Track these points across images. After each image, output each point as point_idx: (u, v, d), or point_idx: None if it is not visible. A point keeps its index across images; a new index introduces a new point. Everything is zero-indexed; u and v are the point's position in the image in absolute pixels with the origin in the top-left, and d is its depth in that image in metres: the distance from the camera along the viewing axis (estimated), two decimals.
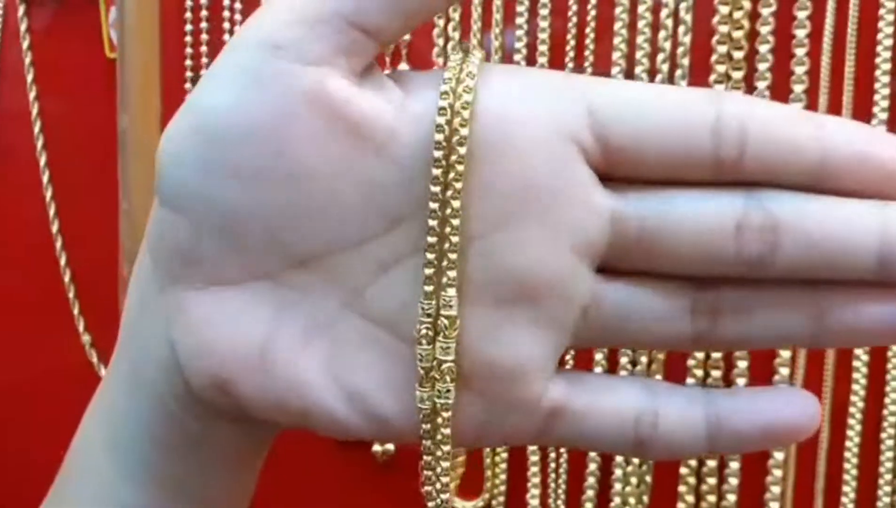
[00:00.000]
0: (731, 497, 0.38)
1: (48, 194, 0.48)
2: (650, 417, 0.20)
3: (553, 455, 0.40)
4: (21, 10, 0.48)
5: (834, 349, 0.37)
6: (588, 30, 0.38)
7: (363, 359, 0.22)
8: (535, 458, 0.40)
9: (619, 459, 0.39)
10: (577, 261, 0.20)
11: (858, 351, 0.37)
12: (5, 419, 0.48)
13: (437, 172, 0.20)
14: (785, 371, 0.37)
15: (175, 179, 0.21)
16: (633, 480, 0.39)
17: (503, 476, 0.41)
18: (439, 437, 0.21)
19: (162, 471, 0.26)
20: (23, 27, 0.48)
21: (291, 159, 0.21)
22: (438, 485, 0.21)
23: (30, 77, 0.48)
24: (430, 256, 0.20)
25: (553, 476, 0.40)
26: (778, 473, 0.38)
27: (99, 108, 0.46)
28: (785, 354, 0.37)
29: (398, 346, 0.21)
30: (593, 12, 0.38)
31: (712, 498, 0.38)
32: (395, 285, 0.21)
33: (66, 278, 0.47)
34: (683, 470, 0.38)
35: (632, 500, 0.39)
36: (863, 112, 0.36)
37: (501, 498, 0.41)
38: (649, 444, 0.20)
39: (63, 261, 0.48)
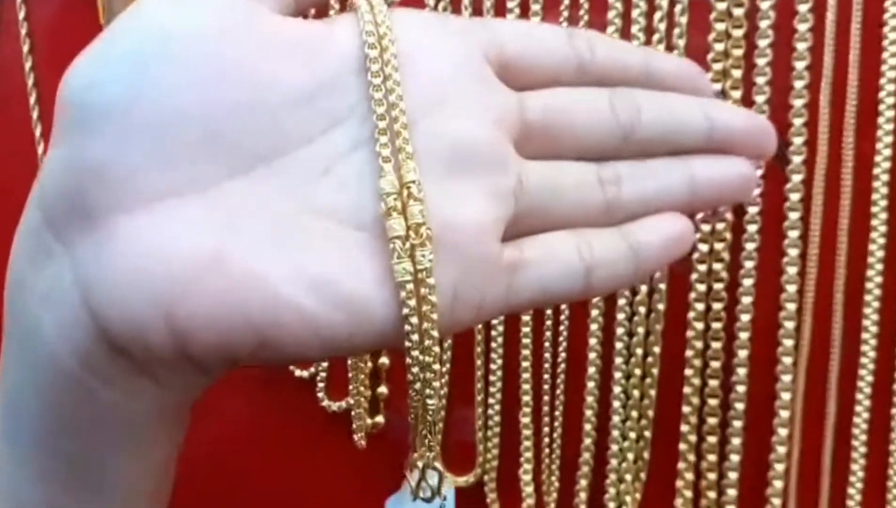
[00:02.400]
0: (733, 476, 0.36)
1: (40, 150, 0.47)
2: (587, 247, 0.24)
3: (547, 429, 0.39)
4: None
5: (840, 344, 0.36)
6: None
7: (324, 253, 0.21)
8: (527, 432, 0.39)
9: (615, 434, 0.37)
10: (502, 136, 0.24)
11: (865, 348, 0.35)
12: None
13: (374, 67, 0.22)
14: (788, 357, 0.36)
15: (99, 86, 0.21)
16: (630, 456, 0.37)
17: (495, 451, 0.39)
18: (425, 309, 0.21)
19: (63, 456, 0.23)
20: None
21: (231, 64, 0.21)
22: (428, 389, 0.22)
23: (26, 47, 0.47)
24: (383, 138, 0.22)
25: (547, 451, 0.39)
26: (781, 450, 0.36)
27: None
28: (787, 343, 0.36)
29: (355, 236, 0.22)
30: None
31: (713, 476, 0.37)
32: (341, 182, 0.22)
33: None
34: (682, 446, 0.37)
35: (628, 476, 0.37)
36: (872, 68, 0.34)
37: (493, 474, 0.39)
38: (594, 271, 0.24)
39: None
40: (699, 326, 0.36)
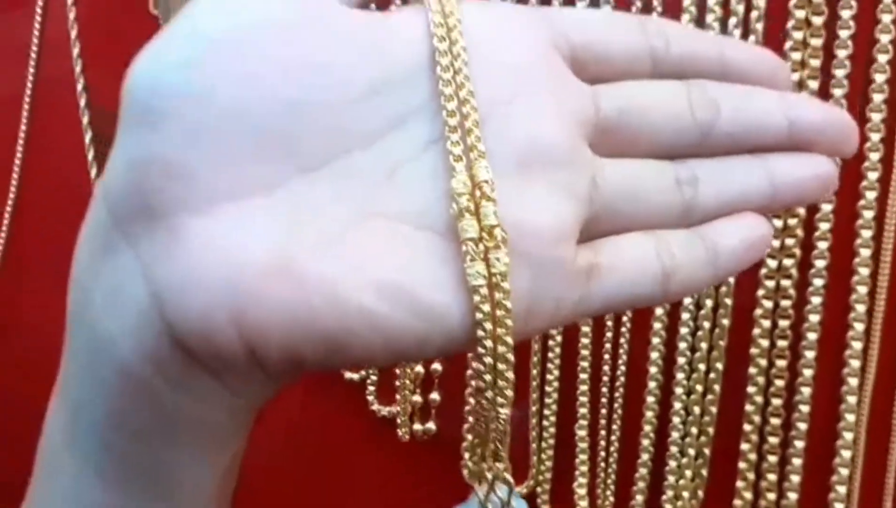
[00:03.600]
0: (793, 496, 0.36)
1: (90, 157, 0.46)
2: (666, 250, 0.24)
3: (603, 442, 0.38)
4: None
5: None
6: None
7: (394, 257, 0.21)
8: (583, 444, 0.38)
9: (673, 450, 0.37)
10: (576, 131, 0.23)
11: None
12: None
13: (444, 61, 0.22)
14: (853, 378, 0.35)
15: (161, 84, 0.20)
16: (688, 473, 0.37)
17: (549, 463, 0.39)
18: (500, 314, 0.21)
19: (129, 460, 0.23)
20: None
21: (295, 60, 0.21)
22: (501, 398, 0.21)
23: (73, 33, 0.47)
24: (454, 136, 0.21)
25: (602, 464, 0.38)
26: (844, 472, 0.35)
27: None
28: (854, 364, 0.35)
29: (426, 238, 0.21)
30: None
31: (772, 496, 0.36)
32: (410, 183, 0.21)
33: None
34: (742, 465, 0.36)
35: (685, 494, 0.37)
36: None
37: (547, 486, 0.39)
38: (672, 276, 0.23)
39: None
40: (764, 343, 0.36)
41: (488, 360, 0.21)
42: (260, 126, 0.20)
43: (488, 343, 0.21)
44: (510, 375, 0.21)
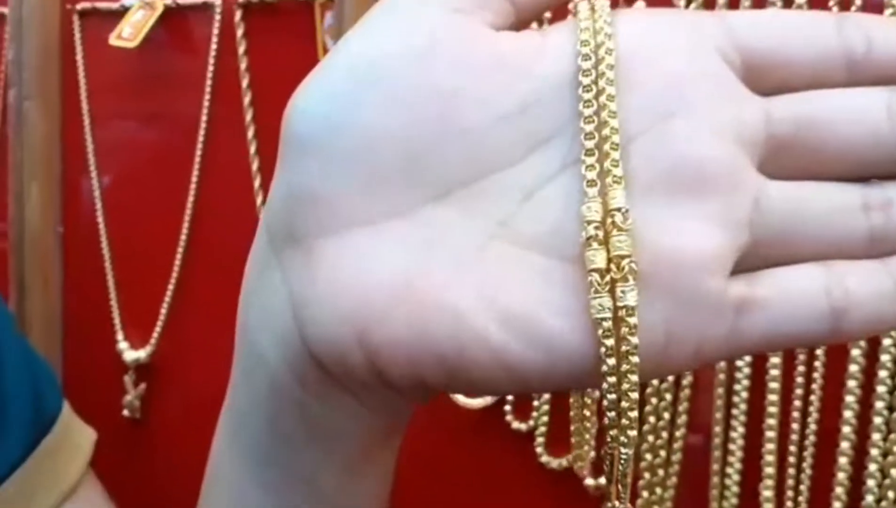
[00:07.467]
0: None
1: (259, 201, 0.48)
2: (838, 285, 0.21)
3: (790, 503, 0.37)
4: (238, 15, 0.48)
5: None
6: None
7: (519, 284, 0.20)
8: (769, 505, 0.37)
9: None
10: (739, 152, 0.21)
11: None
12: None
13: (586, 80, 0.21)
14: None
15: (309, 114, 0.21)
16: None
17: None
18: (625, 349, 0.19)
19: (282, 468, 0.24)
20: (239, 32, 0.48)
21: (433, 87, 0.21)
22: (623, 436, 0.20)
23: (245, 82, 0.48)
24: (590, 159, 0.20)
25: None
26: None
27: None
28: None
29: (554, 266, 0.20)
30: None
31: None
32: (544, 208, 0.21)
33: None
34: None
35: None
36: None
37: None
38: (846, 314, 0.21)
39: None
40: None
41: (612, 397, 0.20)
42: (394, 156, 0.21)
43: (612, 379, 0.20)
44: (634, 414, 0.20)
